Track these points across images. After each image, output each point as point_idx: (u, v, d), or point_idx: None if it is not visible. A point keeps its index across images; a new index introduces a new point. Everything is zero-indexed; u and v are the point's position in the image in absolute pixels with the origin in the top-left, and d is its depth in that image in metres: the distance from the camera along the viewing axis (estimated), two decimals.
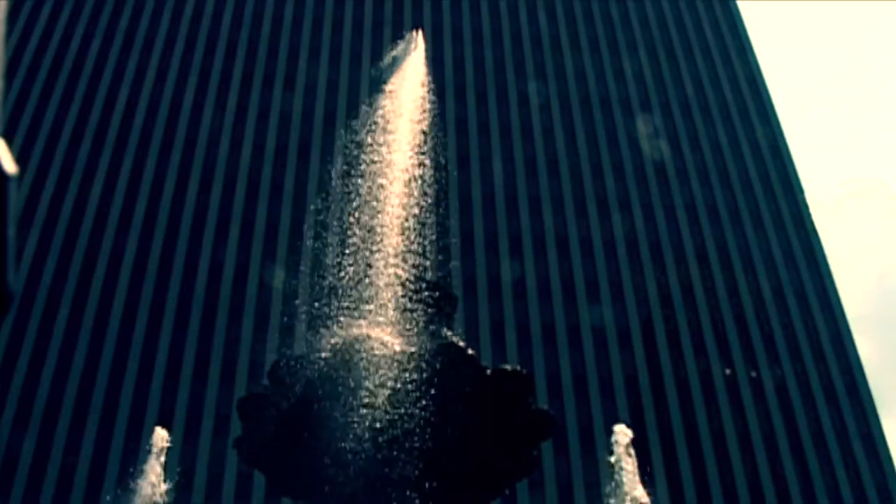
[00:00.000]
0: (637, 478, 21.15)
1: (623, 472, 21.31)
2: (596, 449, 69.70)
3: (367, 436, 15.57)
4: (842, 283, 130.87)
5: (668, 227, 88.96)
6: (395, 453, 15.39)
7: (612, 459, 21.73)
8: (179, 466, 58.10)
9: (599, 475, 59.68)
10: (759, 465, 77.84)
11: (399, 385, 15.94)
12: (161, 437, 22.85)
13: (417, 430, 15.55)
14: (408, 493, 15.21)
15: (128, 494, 22.46)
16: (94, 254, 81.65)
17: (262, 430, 18.32)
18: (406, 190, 19.72)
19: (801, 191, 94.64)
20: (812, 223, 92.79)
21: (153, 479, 21.79)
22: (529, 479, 57.57)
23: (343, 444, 15.85)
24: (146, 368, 75.83)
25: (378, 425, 15.57)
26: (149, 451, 22.38)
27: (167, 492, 22.47)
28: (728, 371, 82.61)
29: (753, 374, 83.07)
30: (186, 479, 64.01)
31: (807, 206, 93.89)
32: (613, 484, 21.34)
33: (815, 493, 77.45)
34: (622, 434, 21.97)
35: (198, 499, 68.38)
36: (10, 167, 3.69)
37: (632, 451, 21.54)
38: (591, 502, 64.08)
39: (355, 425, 15.76)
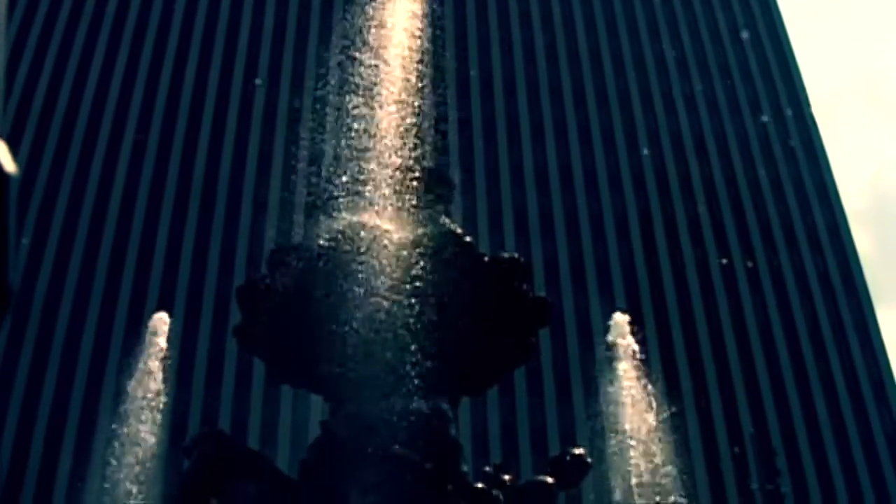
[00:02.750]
0: (634, 365, 21.30)
1: (620, 360, 21.46)
2: (593, 337, 70.17)
3: (364, 323, 15.63)
4: (840, 177, 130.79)
5: (666, 118, 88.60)
6: (392, 339, 15.46)
7: (610, 346, 21.86)
8: (180, 353, 58.59)
9: (596, 363, 60.22)
10: (754, 354, 78.42)
11: (396, 271, 15.95)
12: (161, 321, 22.93)
13: (414, 317, 15.60)
14: (406, 377, 15.31)
15: (129, 379, 22.60)
16: (91, 141, 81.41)
17: (260, 317, 18.37)
18: (404, 75, 19.54)
19: (802, 82, 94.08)
20: (811, 115, 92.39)
21: (154, 364, 21.93)
22: (527, 368, 58.00)
23: (341, 331, 15.91)
24: (146, 254, 76.04)
25: (376, 312, 15.62)
26: (149, 336, 22.48)
27: (167, 377, 22.63)
28: (724, 261, 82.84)
29: (750, 264, 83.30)
30: (187, 365, 64.59)
31: (807, 98, 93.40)
32: (611, 372, 21.49)
33: (810, 381, 78.17)
34: (620, 322, 22.06)
35: (198, 385, 69.04)
36: (11, 167, 3.66)
37: (630, 340, 21.66)
38: (588, 390, 64.65)
39: (353, 312, 15.81)
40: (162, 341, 22.33)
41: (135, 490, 21.05)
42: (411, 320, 15.62)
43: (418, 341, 15.46)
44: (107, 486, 22.10)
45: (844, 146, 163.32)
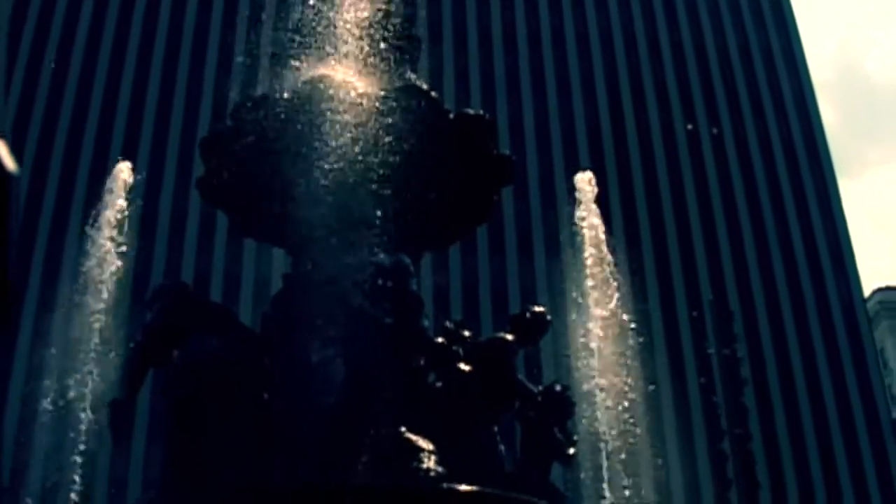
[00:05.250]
0: (597, 226, 21.36)
1: (583, 220, 21.49)
2: (556, 197, 70.42)
3: (328, 176, 15.58)
4: (808, 48, 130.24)
5: None
6: (355, 193, 15.44)
7: (572, 206, 21.88)
8: (143, 206, 58.43)
9: (559, 222, 60.57)
10: (715, 220, 78.97)
11: (361, 125, 15.86)
12: (124, 172, 22.72)
13: (378, 171, 15.57)
14: (368, 231, 15.32)
15: (91, 231, 22.43)
16: None
17: (224, 169, 18.28)
18: None
19: None
20: None
21: (116, 216, 21.76)
22: (490, 226, 58.21)
23: (304, 184, 15.88)
24: (109, 106, 75.31)
25: (339, 165, 15.57)
26: (111, 188, 22.26)
27: (131, 228, 22.51)
28: (690, 126, 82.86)
29: (715, 130, 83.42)
30: (150, 218, 64.48)
31: None
32: (572, 230, 21.54)
33: (770, 249, 78.91)
34: (583, 182, 22.02)
35: (161, 239, 69.02)
36: (11, 165, 3.57)
37: (592, 200, 21.67)
38: (549, 249, 65.11)
39: (317, 165, 15.76)
40: (124, 193, 22.15)
41: (96, 340, 21.10)
42: (375, 174, 15.58)
43: (381, 195, 15.45)
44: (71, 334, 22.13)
45: (814, 16, 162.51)
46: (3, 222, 3.57)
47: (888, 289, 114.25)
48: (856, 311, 79.12)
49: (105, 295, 21.04)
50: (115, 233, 21.36)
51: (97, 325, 21.00)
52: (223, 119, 23.68)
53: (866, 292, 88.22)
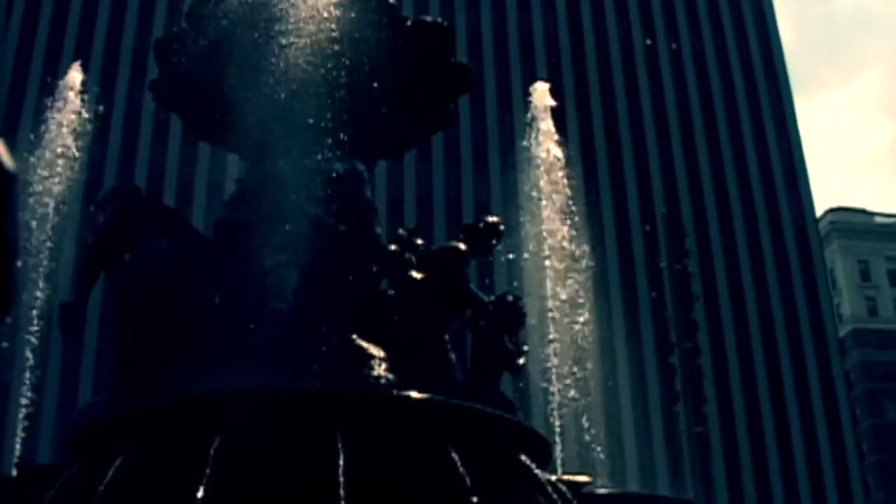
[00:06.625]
0: (552, 136, 21.35)
1: (538, 131, 21.47)
2: (513, 108, 70.28)
3: (283, 80, 15.46)
4: None
5: None
6: (310, 98, 15.32)
7: (529, 117, 21.84)
8: (96, 108, 57.72)
9: (515, 133, 60.44)
10: (671, 134, 79.15)
11: (317, 30, 15.69)
12: (77, 73, 22.42)
13: (333, 76, 15.44)
14: (323, 136, 15.24)
15: (43, 134, 22.19)
16: None
17: (178, 72, 18.07)
18: None
19: None
20: None
21: (68, 120, 21.52)
22: (445, 136, 58.10)
23: (259, 88, 15.74)
24: (61, 6, 74.20)
25: (295, 69, 15.43)
26: (63, 91, 21.98)
27: (83, 132, 22.28)
28: (648, 41, 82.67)
29: (674, 45, 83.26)
30: (102, 122, 63.78)
31: None
32: (528, 141, 21.53)
33: (724, 165, 79.31)
34: (539, 93, 21.98)
35: (114, 143, 68.46)
36: (11, 165, 3.48)
37: (548, 111, 21.64)
38: (504, 160, 65.08)
39: (272, 69, 15.61)
40: (77, 96, 21.88)
41: (48, 244, 21.00)
42: (330, 80, 15.46)
43: (336, 102, 15.34)
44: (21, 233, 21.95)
45: None
46: (7, 223, 3.53)
47: (840, 209, 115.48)
48: (807, 230, 79.85)
49: (57, 198, 20.90)
50: (67, 136, 21.16)
51: (49, 229, 20.90)
52: (179, 20, 23.36)
53: (818, 212, 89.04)
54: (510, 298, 17.32)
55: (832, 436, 73.46)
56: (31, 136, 22.26)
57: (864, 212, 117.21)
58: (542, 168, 21.24)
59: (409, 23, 18.00)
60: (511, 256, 22.97)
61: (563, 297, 20.46)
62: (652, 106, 79.91)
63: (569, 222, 20.84)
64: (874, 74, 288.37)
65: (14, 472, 16.99)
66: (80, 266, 16.69)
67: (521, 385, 23.07)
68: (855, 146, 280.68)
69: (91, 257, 16.42)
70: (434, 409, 13.04)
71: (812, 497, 71.30)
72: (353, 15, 16.30)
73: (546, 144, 21.29)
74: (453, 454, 11.80)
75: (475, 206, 67.21)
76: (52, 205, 21.28)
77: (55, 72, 27.29)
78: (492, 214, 18.89)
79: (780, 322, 75.99)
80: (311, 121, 15.12)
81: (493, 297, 17.42)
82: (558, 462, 18.02)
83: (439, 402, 13.24)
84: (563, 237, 20.64)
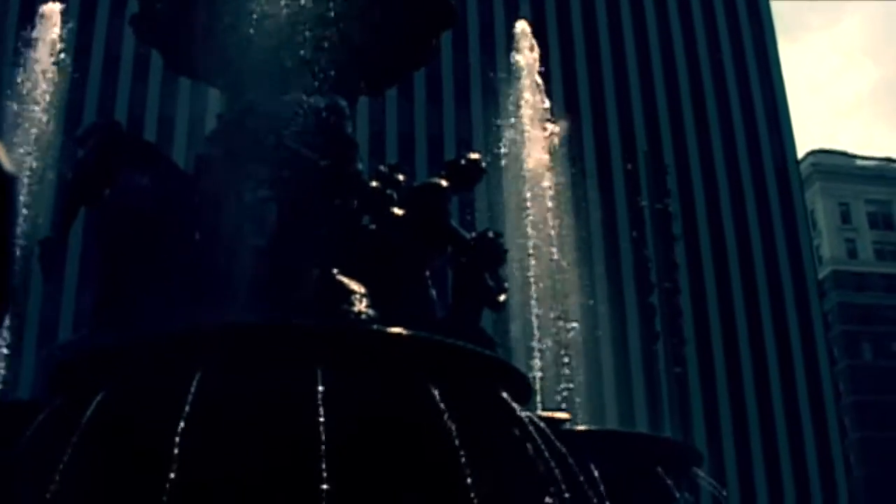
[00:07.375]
0: (534, 74, 21.30)
1: (521, 69, 21.44)
2: (495, 45, 69.97)
3: (264, 14, 15.33)
4: None
5: None
6: (291, 32, 15.21)
7: (511, 55, 21.79)
8: (75, 45, 57.27)
9: (497, 71, 60.18)
10: (653, 73, 78.98)
11: None
12: (56, 8, 22.20)
13: (314, 11, 15.32)
14: (304, 71, 15.14)
15: (21, 70, 22.01)
16: None
17: (158, 5, 17.92)
18: None
19: None
20: None
21: (47, 54, 21.36)
22: (427, 73, 57.81)
23: (240, 23, 15.62)
24: None
25: (274, 4, 15.30)
26: (42, 25, 21.78)
27: (62, 67, 22.11)
28: None
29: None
30: (82, 57, 63.26)
31: None
32: (510, 80, 21.49)
33: (706, 105, 79.25)
34: (522, 31, 21.91)
35: (94, 78, 67.97)
36: (11, 167, 3.41)
37: (530, 48, 21.58)
38: (486, 97, 64.77)
39: (252, 4, 15.48)
40: (56, 30, 21.69)
41: (28, 180, 20.88)
42: (311, 14, 15.34)
43: (317, 36, 15.23)
44: None
45: None
46: (7, 225, 3.48)
47: (821, 151, 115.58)
48: (788, 171, 79.94)
49: (37, 135, 20.78)
50: (46, 72, 21.01)
51: (28, 165, 20.79)
52: None
53: (800, 154, 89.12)
54: (491, 235, 17.31)
55: (810, 376, 73.97)
56: (10, 70, 22.09)
57: (845, 154, 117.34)
58: (523, 107, 21.20)
59: None
60: (492, 194, 23.00)
61: (544, 234, 20.48)
62: (635, 45, 79.69)
63: (550, 160, 20.82)
64: (858, 18, 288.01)
65: None
66: (59, 202, 16.59)
67: (501, 324, 23.15)
68: (838, 89, 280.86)
69: (71, 193, 16.33)
70: (414, 344, 13.04)
71: (789, 436, 71.89)
72: None
73: (528, 82, 21.24)
74: (433, 389, 11.81)
75: (457, 144, 67.04)
76: (32, 143, 21.16)
77: (33, 10, 27.09)
78: (474, 151, 18.84)
79: (760, 263, 76.26)
80: (292, 56, 15.03)
81: (474, 234, 17.41)
82: (538, 399, 18.10)
83: (419, 337, 13.23)
84: (544, 175, 20.62)
